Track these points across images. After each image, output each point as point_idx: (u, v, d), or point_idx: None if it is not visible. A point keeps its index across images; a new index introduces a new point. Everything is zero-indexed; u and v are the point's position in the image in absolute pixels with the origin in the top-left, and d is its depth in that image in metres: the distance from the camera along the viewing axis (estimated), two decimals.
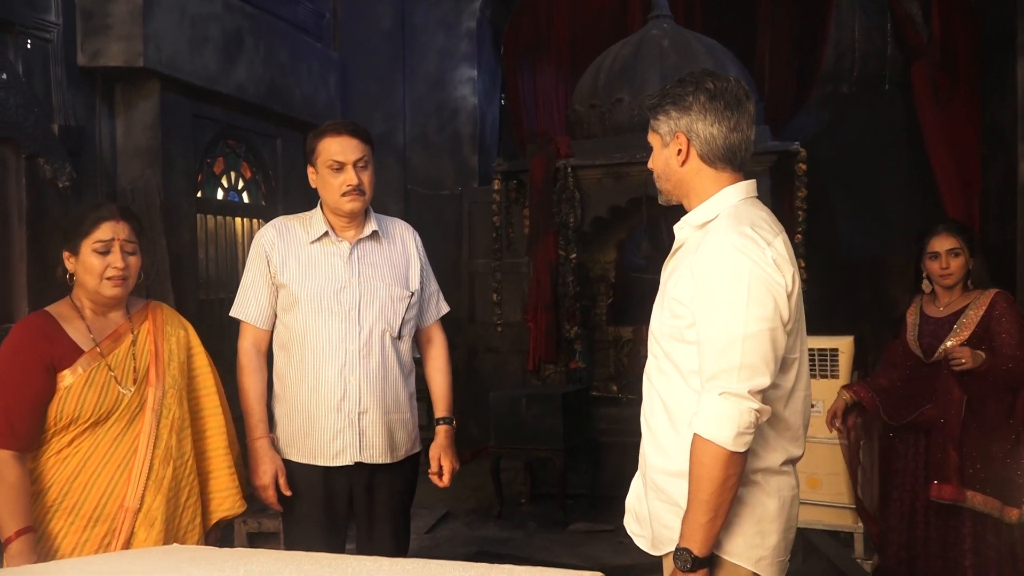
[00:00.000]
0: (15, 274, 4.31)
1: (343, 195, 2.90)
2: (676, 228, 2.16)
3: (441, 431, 3.13)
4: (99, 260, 2.48)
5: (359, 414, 2.91)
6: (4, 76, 4.12)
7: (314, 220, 3.01)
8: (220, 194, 6.00)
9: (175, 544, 2.47)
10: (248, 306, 3.03)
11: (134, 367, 2.54)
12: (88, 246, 2.48)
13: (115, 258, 2.49)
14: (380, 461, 2.95)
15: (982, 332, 3.54)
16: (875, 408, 3.80)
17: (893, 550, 3.76)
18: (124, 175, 5.06)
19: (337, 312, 2.92)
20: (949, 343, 3.59)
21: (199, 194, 5.65)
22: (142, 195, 4.98)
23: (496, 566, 1.93)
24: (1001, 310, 3.53)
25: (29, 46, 4.42)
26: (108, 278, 2.49)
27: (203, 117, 5.54)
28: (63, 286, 2.59)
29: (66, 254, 2.53)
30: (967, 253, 3.61)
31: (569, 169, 6.62)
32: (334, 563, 2.00)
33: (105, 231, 2.49)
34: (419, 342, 3.22)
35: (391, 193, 7.75)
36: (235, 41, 5.66)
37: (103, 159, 4.97)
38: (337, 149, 2.90)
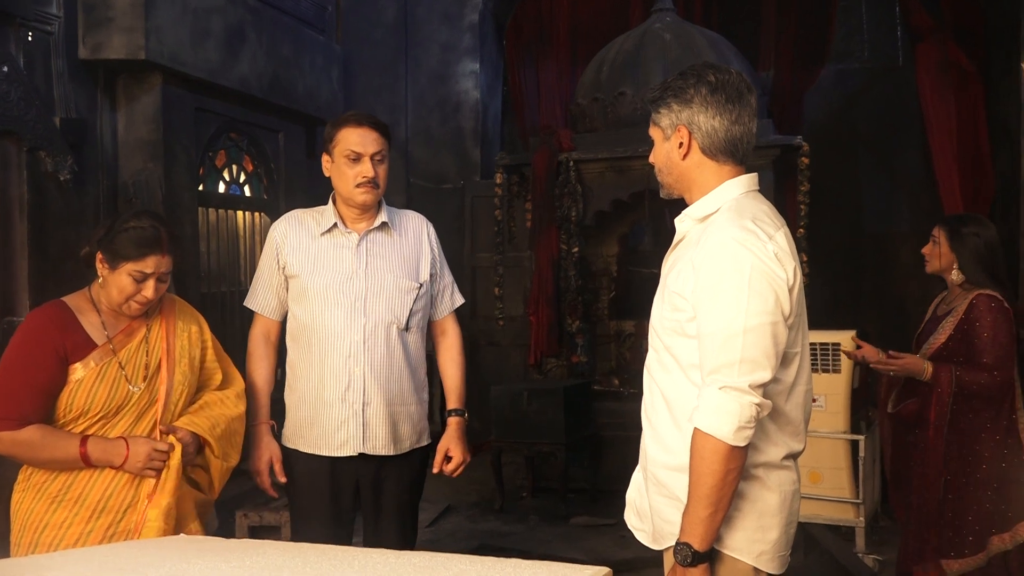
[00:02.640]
0: (16, 268, 4.31)
1: (357, 186, 2.91)
2: (677, 222, 2.15)
3: (452, 423, 3.13)
4: (133, 286, 2.49)
5: (363, 405, 2.92)
6: (5, 69, 4.11)
7: (325, 213, 3.03)
8: (222, 187, 5.99)
9: (182, 535, 2.47)
10: (257, 296, 3.07)
11: (146, 363, 2.56)
12: (127, 269, 2.47)
13: (148, 289, 2.50)
14: (383, 453, 2.96)
15: (961, 336, 3.36)
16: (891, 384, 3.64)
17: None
18: (126, 168, 5.05)
19: (343, 303, 2.93)
20: (923, 349, 3.48)
21: (201, 187, 5.64)
22: (144, 188, 4.97)
23: (503, 560, 1.92)
24: (977, 313, 3.32)
25: (30, 39, 4.41)
26: (136, 302, 2.51)
27: (205, 110, 5.53)
28: (84, 264, 2.58)
29: (100, 256, 2.51)
30: (945, 246, 3.45)
31: (571, 163, 6.62)
32: (341, 556, 2.00)
33: (149, 264, 2.48)
34: (433, 334, 3.23)
35: (393, 186, 7.70)
36: (237, 34, 5.65)
37: (105, 152, 4.96)
38: (356, 140, 2.91)
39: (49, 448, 2.42)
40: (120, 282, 2.48)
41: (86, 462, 2.44)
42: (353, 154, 2.90)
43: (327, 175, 3.02)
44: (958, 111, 6.33)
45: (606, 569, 1.82)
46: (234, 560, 1.92)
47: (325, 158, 3.00)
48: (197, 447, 2.62)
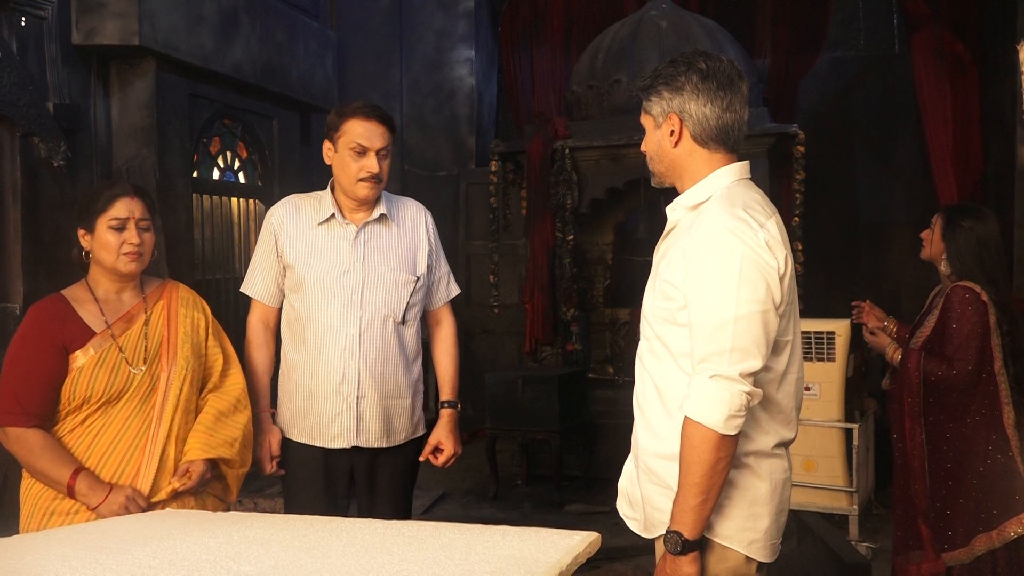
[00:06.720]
0: (10, 254, 4.30)
1: (360, 180, 2.86)
2: (669, 210, 2.15)
3: (444, 415, 3.10)
4: (115, 237, 2.54)
5: (357, 398, 2.90)
6: None
7: (323, 201, 2.97)
8: (216, 174, 5.97)
9: (168, 509, 2.48)
10: (255, 283, 3.03)
11: (146, 347, 2.58)
12: (104, 223, 2.54)
13: (131, 235, 2.55)
14: (377, 446, 2.95)
15: (941, 328, 3.32)
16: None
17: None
18: (119, 154, 5.03)
19: (339, 295, 2.90)
20: (912, 340, 3.45)
21: (195, 174, 5.62)
22: (137, 175, 4.95)
23: (490, 527, 1.93)
24: (949, 304, 3.28)
25: (23, 24, 4.38)
26: (124, 254, 2.55)
27: (199, 96, 5.51)
28: (78, 265, 2.64)
29: (81, 232, 2.58)
30: (937, 234, 3.40)
31: (567, 150, 6.61)
32: (329, 526, 2.00)
33: (121, 209, 2.54)
34: (428, 324, 3.19)
35: (388, 174, 7.70)
36: (231, 20, 5.62)
37: (98, 138, 4.93)
38: (363, 133, 2.85)
39: (47, 459, 2.43)
40: (103, 239, 2.54)
41: (70, 493, 2.44)
42: (359, 147, 2.84)
43: (328, 163, 2.95)
44: (954, 99, 6.33)
45: (595, 534, 1.83)
46: (221, 535, 1.92)
47: (327, 145, 2.93)
48: (212, 467, 2.63)
